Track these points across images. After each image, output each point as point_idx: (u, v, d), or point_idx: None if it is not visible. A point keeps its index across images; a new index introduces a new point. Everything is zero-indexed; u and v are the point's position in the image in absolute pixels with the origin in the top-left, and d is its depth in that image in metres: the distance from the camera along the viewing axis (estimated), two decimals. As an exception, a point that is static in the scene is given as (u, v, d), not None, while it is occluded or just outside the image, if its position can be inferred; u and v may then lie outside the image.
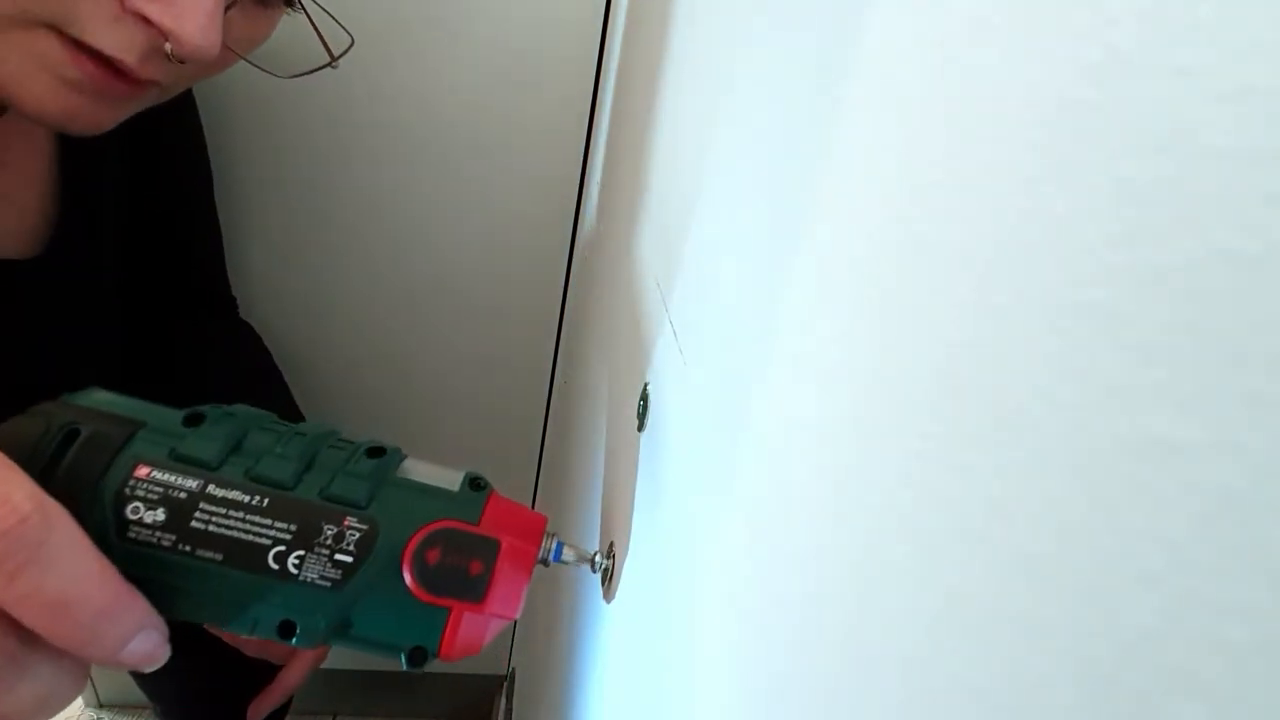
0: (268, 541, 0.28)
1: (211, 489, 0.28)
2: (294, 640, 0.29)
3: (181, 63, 0.37)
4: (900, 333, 0.16)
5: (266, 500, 0.29)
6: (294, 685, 0.58)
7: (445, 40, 0.72)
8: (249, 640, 0.54)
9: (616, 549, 0.39)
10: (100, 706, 1.20)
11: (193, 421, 0.30)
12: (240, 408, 0.32)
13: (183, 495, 0.28)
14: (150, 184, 0.59)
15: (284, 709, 0.75)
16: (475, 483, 0.33)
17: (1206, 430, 0.09)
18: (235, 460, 0.29)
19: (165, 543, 0.28)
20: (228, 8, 0.38)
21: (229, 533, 0.28)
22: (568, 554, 0.34)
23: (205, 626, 0.31)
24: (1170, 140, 0.10)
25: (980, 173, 0.14)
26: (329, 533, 0.29)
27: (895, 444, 0.16)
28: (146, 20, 0.35)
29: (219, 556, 0.28)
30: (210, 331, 0.68)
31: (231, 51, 0.42)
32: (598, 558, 0.36)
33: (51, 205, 0.50)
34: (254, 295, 0.81)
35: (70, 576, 0.24)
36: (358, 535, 0.29)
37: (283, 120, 0.75)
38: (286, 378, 0.71)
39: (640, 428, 0.39)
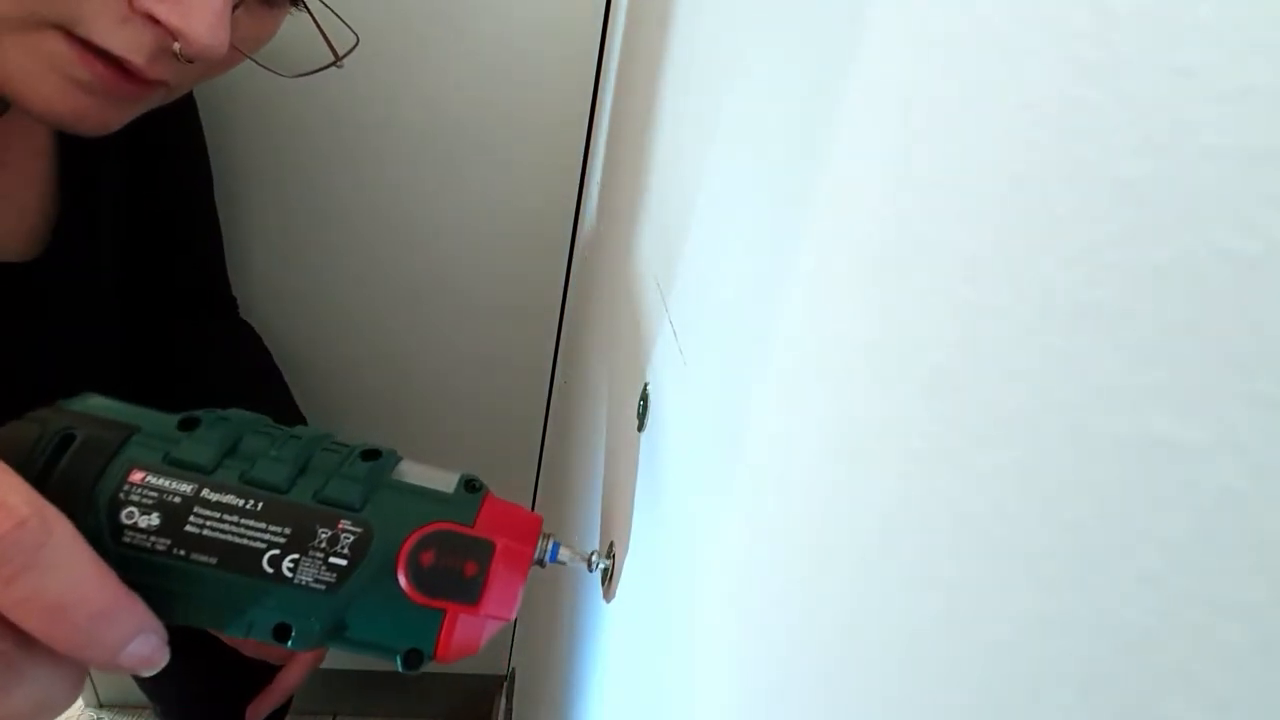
0: (262, 545, 0.28)
1: (206, 493, 0.28)
2: (289, 643, 0.29)
3: (189, 62, 0.37)
4: (900, 332, 0.16)
5: (261, 504, 0.29)
6: (293, 686, 0.58)
7: (445, 40, 0.72)
8: (247, 641, 0.54)
9: (616, 549, 0.39)
10: (100, 706, 1.20)
11: (187, 426, 0.30)
12: (235, 411, 0.32)
13: (177, 500, 0.28)
14: (150, 184, 0.59)
15: (283, 709, 0.75)
16: (470, 484, 0.33)
17: (1206, 430, 0.09)
18: (230, 464, 0.29)
19: (160, 547, 0.28)
20: (234, 7, 0.38)
21: (223, 537, 0.28)
22: (564, 554, 0.34)
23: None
24: (1170, 140, 0.10)
25: (980, 172, 0.14)
26: (323, 536, 0.29)
27: (895, 444, 0.16)
28: (155, 20, 0.35)
29: (214, 560, 0.28)
30: (210, 331, 0.68)
31: (238, 51, 0.42)
32: (594, 557, 0.36)
33: (51, 206, 0.50)
34: (254, 295, 0.81)
35: (68, 580, 0.24)
36: (352, 538, 0.29)
37: (283, 120, 0.75)
38: (286, 378, 0.71)
39: (640, 428, 0.39)
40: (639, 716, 0.32)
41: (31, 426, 0.27)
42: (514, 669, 1.10)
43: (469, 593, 0.30)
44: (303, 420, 0.69)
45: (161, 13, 0.35)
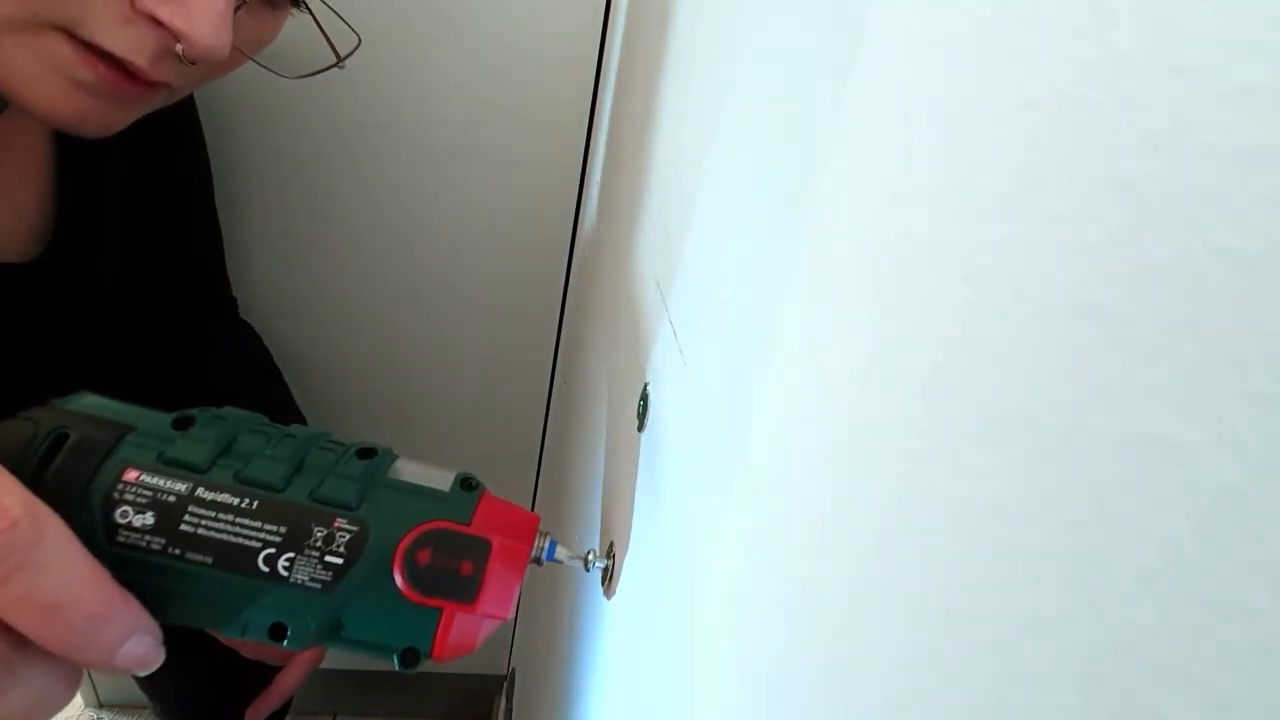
0: (257, 544, 0.28)
1: (200, 492, 0.28)
2: (285, 642, 0.29)
3: (192, 64, 0.37)
4: (900, 332, 0.16)
5: (256, 503, 0.29)
6: (292, 687, 0.58)
7: (445, 40, 0.72)
8: (245, 642, 0.54)
9: (617, 549, 0.39)
10: (100, 706, 1.20)
11: (182, 425, 0.30)
12: (230, 410, 0.32)
13: (171, 499, 0.28)
14: (151, 185, 0.59)
15: (283, 710, 0.75)
16: (467, 483, 0.32)
17: (1206, 430, 0.09)
18: (225, 463, 0.29)
19: (154, 546, 0.28)
20: (236, 8, 0.38)
21: (218, 536, 0.28)
22: (561, 552, 0.34)
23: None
24: (1170, 140, 0.10)
25: (980, 172, 0.14)
26: (319, 535, 0.29)
27: (895, 443, 0.16)
28: (157, 21, 0.35)
29: (209, 559, 0.28)
30: (210, 331, 0.68)
31: (240, 52, 0.42)
32: (591, 556, 0.36)
33: (50, 206, 0.50)
34: (254, 295, 0.81)
35: (62, 580, 0.23)
36: (348, 537, 0.29)
37: (283, 121, 0.75)
38: (286, 378, 0.71)
39: (640, 428, 0.39)
40: (639, 716, 0.32)
41: (25, 425, 0.27)
42: (514, 669, 1.10)
43: (465, 591, 0.30)
44: (302, 420, 0.69)
45: (164, 14, 0.35)
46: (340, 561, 0.29)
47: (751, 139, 0.27)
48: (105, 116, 0.39)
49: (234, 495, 0.28)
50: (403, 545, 0.29)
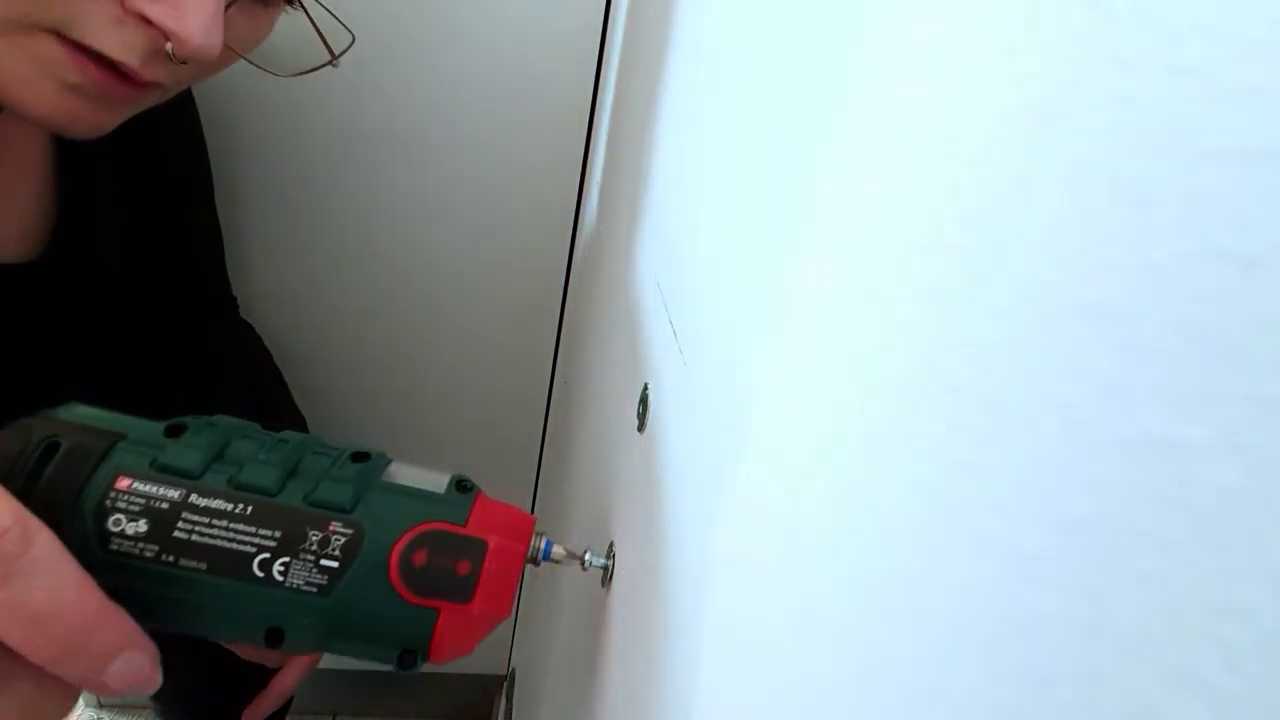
0: (252, 549, 0.28)
1: (194, 498, 0.28)
2: (282, 647, 0.29)
3: (184, 63, 0.37)
4: (900, 332, 0.16)
5: (250, 508, 0.29)
6: (289, 689, 0.58)
7: (445, 40, 0.72)
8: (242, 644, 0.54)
9: (617, 549, 0.39)
10: (100, 706, 1.20)
11: (174, 432, 0.30)
12: (221, 418, 0.32)
13: (165, 506, 0.28)
14: (150, 184, 0.59)
15: (282, 710, 0.75)
16: (462, 485, 0.33)
17: (1206, 430, 0.09)
18: (218, 468, 0.29)
19: (148, 554, 0.28)
20: (227, 6, 0.38)
21: (213, 542, 0.28)
22: (557, 552, 0.34)
23: None
24: (1170, 140, 0.10)
25: (980, 172, 0.14)
26: (314, 538, 0.29)
27: (895, 444, 0.16)
28: (148, 21, 0.35)
29: (203, 566, 0.28)
30: (211, 331, 0.68)
31: (232, 50, 0.42)
32: (588, 555, 0.36)
33: (50, 206, 0.50)
34: (254, 295, 0.81)
35: (49, 591, 0.23)
36: (343, 540, 0.29)
37: (284, 122, 0.75)
38: (286, 378, 0.71)
39: (640, 428, 0.39)
40: (639, 716, 0.32)
41: (16, 435, 0.27)
42: (514, 669, 1.10)
43: (462, 591, 0.30)
44: (302, 421, 0.69)
45: (155, 14, 0.35)
46: (336, 565, 0.29)
47: (752, 138, 0.27)
48: (96, 117, 0.39)
49: (228, 501, 0.28)
50: (398, 547, 0.29)
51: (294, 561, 0.29)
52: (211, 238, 0.68)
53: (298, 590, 0.28)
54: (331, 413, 0.91)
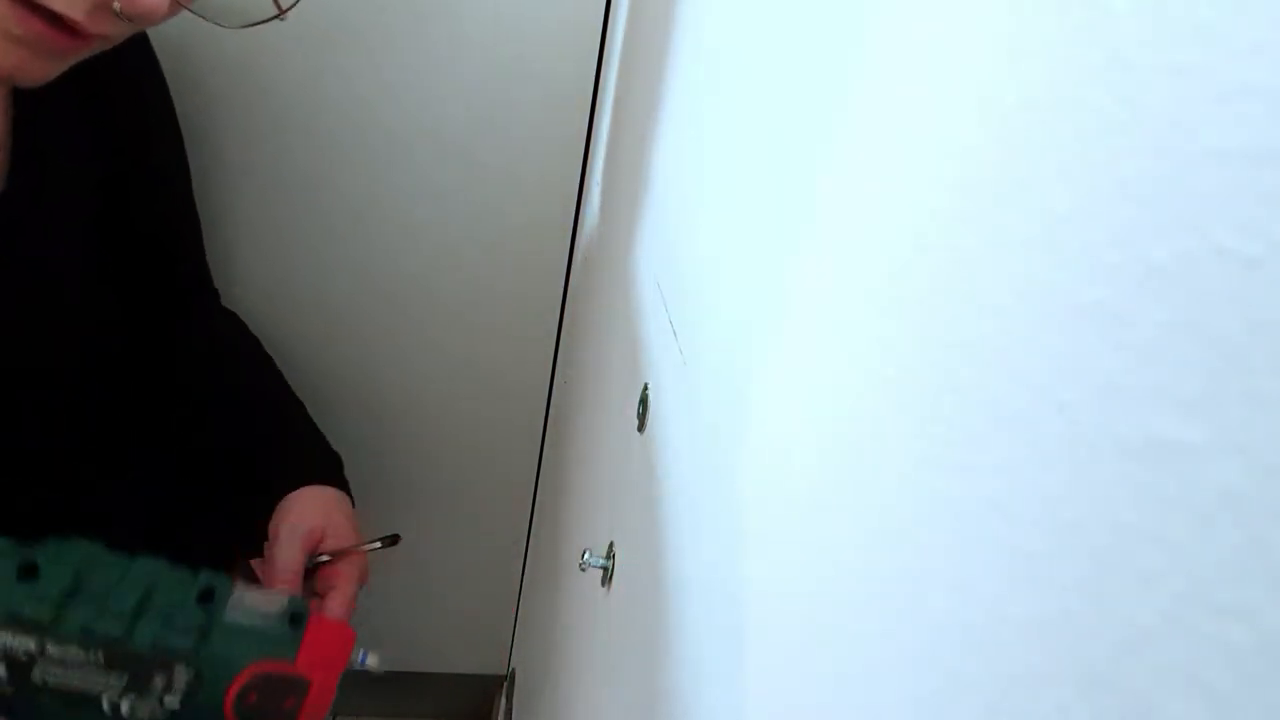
0: (100, 689, 0.33)
1: (50, 649, 0.32)
2: None
3: (130, 20, 0.38)
4: (900, 332, 0.16)
5: (101, 654, 0.33)
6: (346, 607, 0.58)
7: (445, 39, 0.72)
8: None
9: (617, 549, 0.39)
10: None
11: (27, 574, 0.33)
12: (76, 543, 0.36)
13: (23, 656, 0.32)
14: (116, 138, 0.58)
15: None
16: (295, 617, 0.38)
17: (1206, 430, 0.09)
18: (72, 609, 0.33)
19: (7, 692, 0.32)
20: None
21: (66, 685, 0.32)
22: (371, 661, 0.44)
23: None
24: (1170, 140, 0.10)
25: (980, 172, 0.14)
26: (159, 681, 0.33)
27: (895, 443, 0.16)
28: None
29: (59, 705, 0.32)
30: (202, 321, 0.67)
31: (178, 3, 0.42)
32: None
33: (5, 140, 0.49)
34: (250, 295, 0.81)
35: None
36: (185, 681, 0.34)
37: (281, 120, 0.74)
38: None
39: (640, 428, 0.39)
40: (639, 716, 0.32)
41: None
42: (514, 669, 1.10)
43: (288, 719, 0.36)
44: (301, 406, 0.69)
45: None
46: (178, 706, 0.34)
47: (751, 138, 0.27)
48: (40, 67, 0.40)
49: (81, 648, 0.33)
50: (234, 690, 0.35)
51: (139, 701, 0.33)
52: (189, 225, 0.68)
53: None
54: (328, 415, 0.91)
